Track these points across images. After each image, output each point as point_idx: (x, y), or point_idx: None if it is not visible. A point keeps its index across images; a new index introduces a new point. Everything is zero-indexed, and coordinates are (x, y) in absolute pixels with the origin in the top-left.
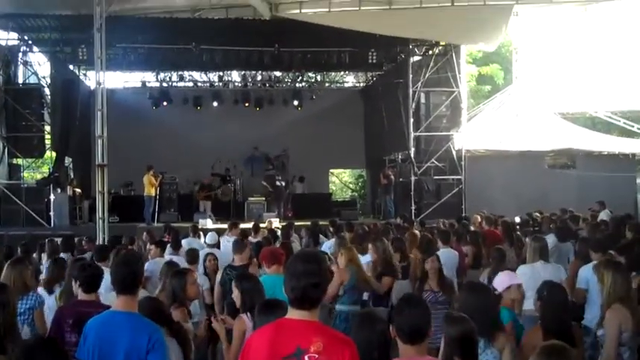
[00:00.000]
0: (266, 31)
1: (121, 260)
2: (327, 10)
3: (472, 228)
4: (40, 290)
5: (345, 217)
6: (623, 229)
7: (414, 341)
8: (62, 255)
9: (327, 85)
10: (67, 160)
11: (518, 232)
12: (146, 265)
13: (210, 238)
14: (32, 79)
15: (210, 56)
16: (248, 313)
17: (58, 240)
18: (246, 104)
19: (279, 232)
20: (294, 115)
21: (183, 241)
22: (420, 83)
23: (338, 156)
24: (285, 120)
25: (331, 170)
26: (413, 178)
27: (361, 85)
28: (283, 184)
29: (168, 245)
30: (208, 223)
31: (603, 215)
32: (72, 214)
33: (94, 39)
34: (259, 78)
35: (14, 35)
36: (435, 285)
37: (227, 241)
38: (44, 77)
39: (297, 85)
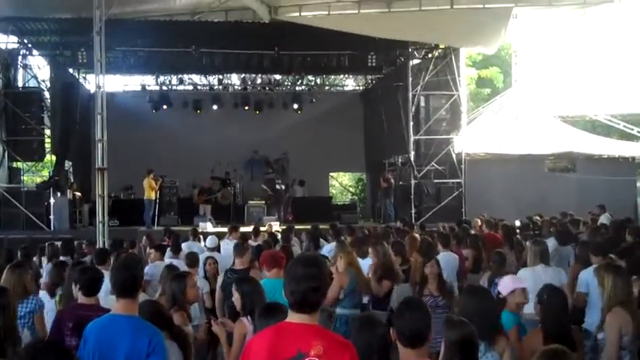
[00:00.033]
0: (266, 34)
1: (120, 264)
2: (327, 13)
3: (472, 231)
4: (41, 294)
5: (345, 221)
6: (623, 232)
7: (414, 345)
8: (62, 258)
9: (326, 88)
10: (67, 164)
11: (519, 236)
12: (146, 269)
13: (210, 241)
14: (32, 83)
15: (209, 59)
16: (248, 317)
17: (58, 243)
18: (246, 107)
19: (279, 236)
20: (293, 119)
21: (183, 245)
22: (419, 86)
23: (338, 159)
24: (285, 123)
25: (331, 174)
26: (413, 182)
27: (361, 88)
28: (283, 187)
29: (168, 249)
30: (208, 227)
31: (603, 219)
32: (72, 217)
33: (94, 42)
34: (259, 81)
35: (14, 39)
36: (435, 289)
37: (227, 245)
38: (44, 81)
39: (297, 88)
